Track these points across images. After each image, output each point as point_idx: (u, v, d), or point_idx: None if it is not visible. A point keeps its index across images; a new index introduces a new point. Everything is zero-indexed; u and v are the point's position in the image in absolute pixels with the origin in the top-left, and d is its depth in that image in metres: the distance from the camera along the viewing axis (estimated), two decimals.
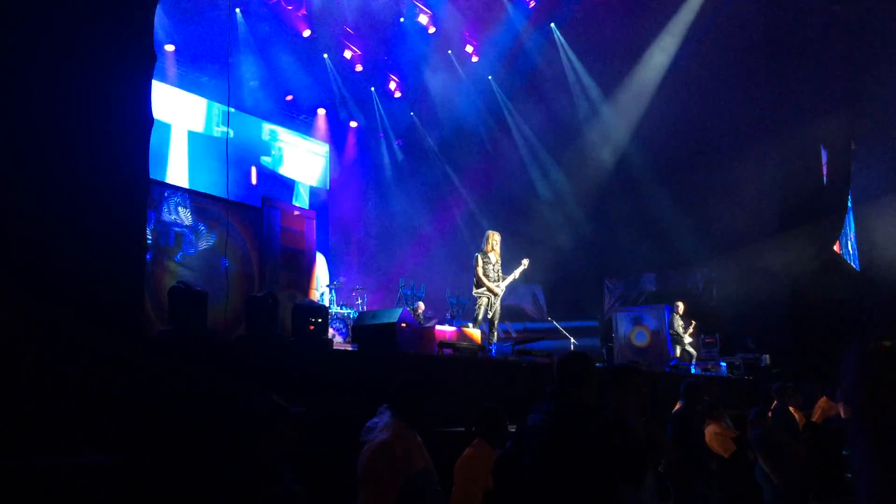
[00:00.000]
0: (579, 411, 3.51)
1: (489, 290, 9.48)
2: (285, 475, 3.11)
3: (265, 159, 17.20)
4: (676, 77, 16.54)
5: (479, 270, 9.53)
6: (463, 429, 4.74)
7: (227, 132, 14.73)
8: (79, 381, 3.58)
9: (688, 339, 14.10)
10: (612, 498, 3.47)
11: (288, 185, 17.65)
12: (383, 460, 3.47)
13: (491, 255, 9.62)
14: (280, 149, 17.68)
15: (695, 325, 14.43)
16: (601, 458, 3.40)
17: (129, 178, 4.26)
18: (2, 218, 3.59)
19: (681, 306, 14.27)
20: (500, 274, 9.67)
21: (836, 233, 17.16)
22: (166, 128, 14.40)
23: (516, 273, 9.77)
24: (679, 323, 14.13)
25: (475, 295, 9.61)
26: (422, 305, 13.84)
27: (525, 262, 9.83)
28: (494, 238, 9.73)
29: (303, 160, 18.38)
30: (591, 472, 3.38)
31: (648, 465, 3.53)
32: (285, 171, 17.68)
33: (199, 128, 15.51)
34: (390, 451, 3.49)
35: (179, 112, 14.97)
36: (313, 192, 18.40)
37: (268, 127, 17.41)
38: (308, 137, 18.64)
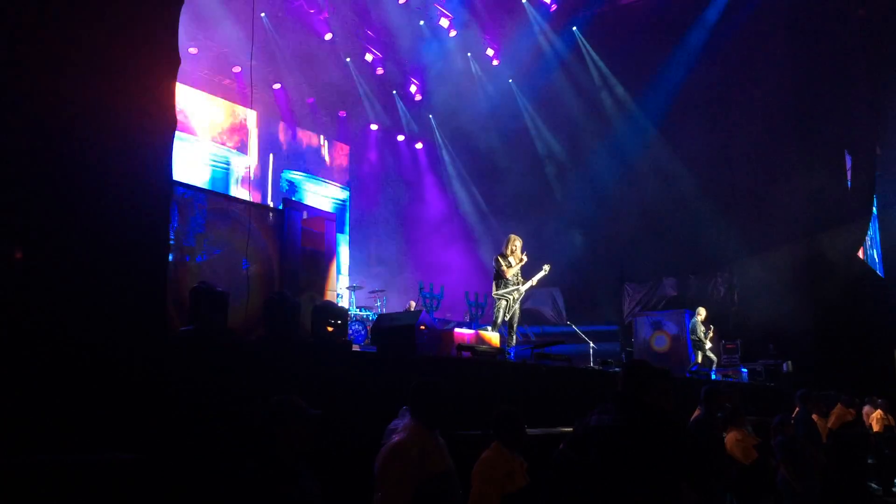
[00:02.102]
0: (652, 415, 3.55)
1: (508, 293, 9.47)
2: (302, 475, 3.13)
3: (286, 161, 17.29)
4: (700, 80, 16.43)
5: (500, 273, 9.52)
6: (481, 432, 4.73)
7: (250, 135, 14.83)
8: (100, 379, 3.62)
9: (708, 345, 13.99)
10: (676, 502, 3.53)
11: (308, 188, 17.73)
12: (397, 461, 3.49)
13: (511, 258, 9.61)
14: (301, 151, 17.77)
15: (714, 331, 14.30)
16: (675, 462, 3.45)
17: (153, 180, 4.29)
18: (27, 218, 3.63)
19: (703, 312, 14.15)
20: (520, 278, 9.65)
21: (861, 238, 16.93)
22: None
23: (536, 278, 9.76)
24: (701, 329, 14.01)
25: (494, 297, 9.60)
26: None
27: (546, 267, 9.84)
28: (515, 242, 9.71)
29: (323, 162, 18.45)
30: (662, 475, 3.42)
31: (714, 474, 3.57)
32: (306, 173, 17.75)
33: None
34: (404, 451, 3.51)
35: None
36: (333, 194, 18.47)
37: (289, 129, 17.50)
38: (329, 139, 18.72)
